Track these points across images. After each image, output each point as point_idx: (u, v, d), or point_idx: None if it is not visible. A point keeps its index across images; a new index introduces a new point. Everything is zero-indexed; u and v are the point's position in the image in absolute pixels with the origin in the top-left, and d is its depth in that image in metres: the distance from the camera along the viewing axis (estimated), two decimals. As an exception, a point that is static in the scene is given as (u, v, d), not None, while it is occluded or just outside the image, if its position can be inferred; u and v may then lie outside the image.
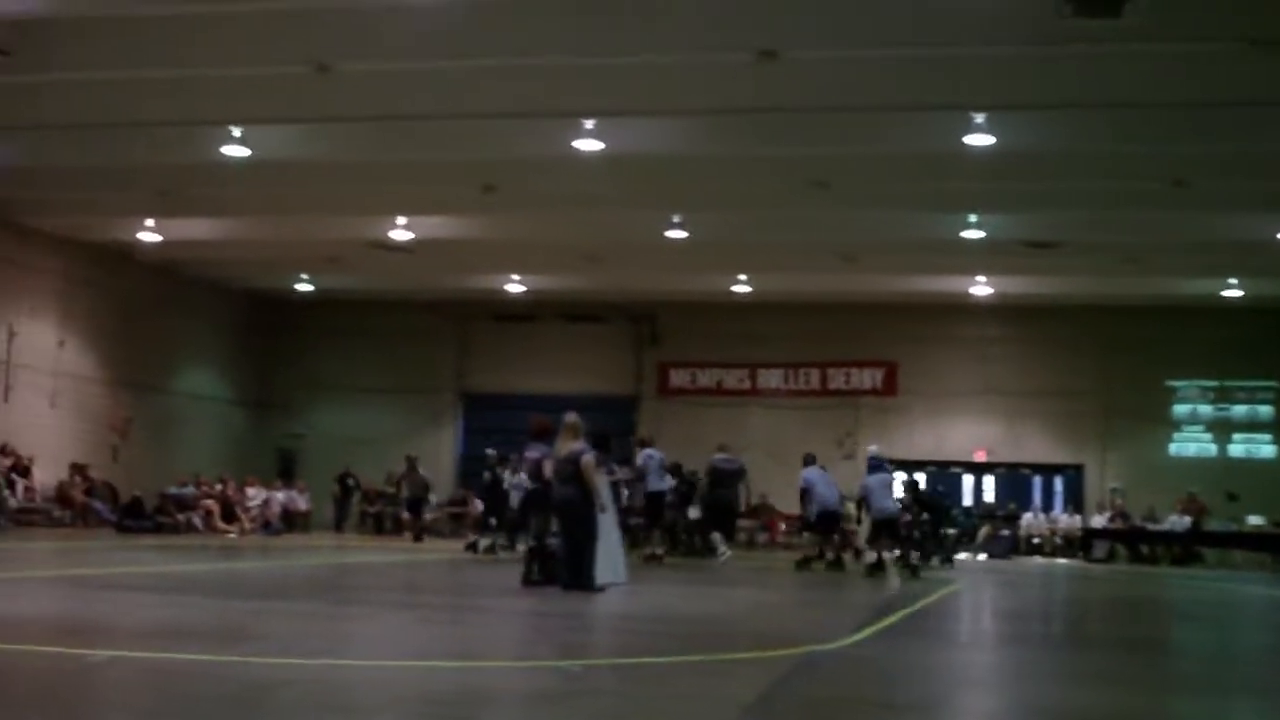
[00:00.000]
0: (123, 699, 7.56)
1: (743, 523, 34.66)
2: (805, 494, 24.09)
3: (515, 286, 35.97)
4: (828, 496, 23.88)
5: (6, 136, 24.20)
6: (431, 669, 9.03)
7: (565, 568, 15.55)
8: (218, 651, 9.34)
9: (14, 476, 29.16)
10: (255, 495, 33.98)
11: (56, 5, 17.52)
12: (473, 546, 25.58)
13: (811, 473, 24.19)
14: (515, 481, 24.15)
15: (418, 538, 31.41)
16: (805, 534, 25.19)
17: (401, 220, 28.63)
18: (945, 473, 36.75)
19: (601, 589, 15.34)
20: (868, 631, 12.24)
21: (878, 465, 23.55)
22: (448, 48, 18.25)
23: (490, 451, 26.08)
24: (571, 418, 15.79)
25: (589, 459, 15.54)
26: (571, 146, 21.65)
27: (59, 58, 19.24)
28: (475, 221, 28.85)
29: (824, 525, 24.14)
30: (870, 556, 23.45)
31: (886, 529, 23.41)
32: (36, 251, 31.11)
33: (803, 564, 23.95)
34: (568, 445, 15.62)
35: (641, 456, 25.07)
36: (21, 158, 24.94)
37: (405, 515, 33.51)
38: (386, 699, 7.73)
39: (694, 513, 25.84)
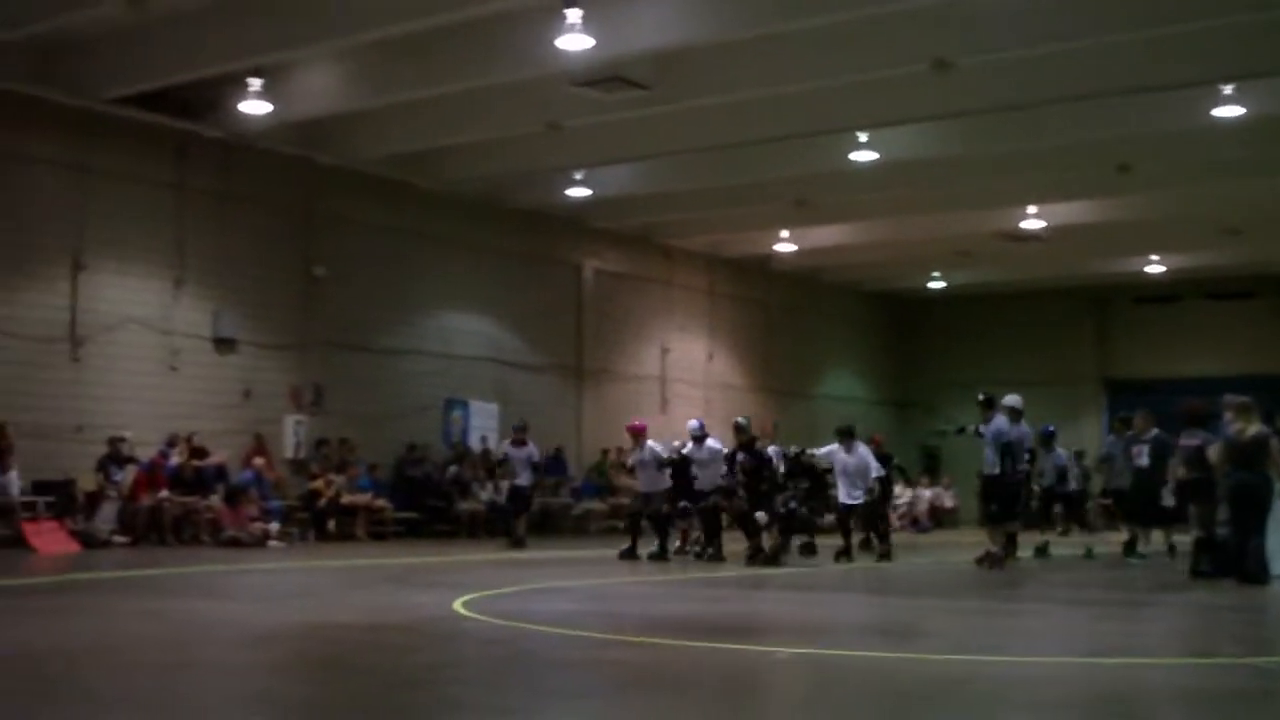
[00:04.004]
0: (818, 693, 7.79)
1: None
2: (1107, 464, 20.34)
3: (1155, 267, 34.61)
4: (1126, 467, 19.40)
5: (652, 165, 25.79)
6: (1109, 666, 8.77)
7: (1240, 558, 14.68)
8: (893, 649, 9.49)
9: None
10: (902, 494, 34.24)
11: (690, 34, 18.42)
12: (664, 554, 19.26)
13: (1116, 442, 20.16)
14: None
15: (515, 542, 21.46)
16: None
17: (1032, 209, 28.24)
18: None
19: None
20: None
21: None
22: (1063, 29, 17.85)
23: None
24: (1241, 399, 14.80)
25: (1276, 442, 14.51)
26: (1210, 115, 20.57)
27: (693, 85, 20.37)
28: (1110, 203, 27.99)
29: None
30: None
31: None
32: (683, 270, 32.92)
33: (1129, 549, 19.22)
34: (1246, 429, 14.63)
35: None
36: (666, 183, 26.55)
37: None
38: (1069, 696, 7.57)
39: None
